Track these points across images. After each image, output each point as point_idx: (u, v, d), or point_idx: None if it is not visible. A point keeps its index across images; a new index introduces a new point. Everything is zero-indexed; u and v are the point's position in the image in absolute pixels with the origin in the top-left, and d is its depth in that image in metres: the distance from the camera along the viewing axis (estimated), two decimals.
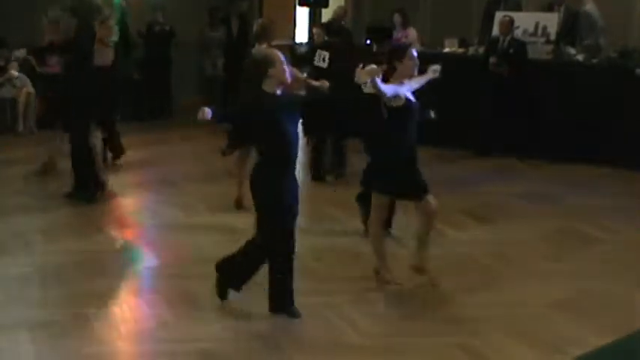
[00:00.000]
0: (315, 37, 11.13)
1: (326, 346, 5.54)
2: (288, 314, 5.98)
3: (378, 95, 6.32)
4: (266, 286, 6.03)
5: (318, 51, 10.53)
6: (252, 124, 5.95)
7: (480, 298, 6.53)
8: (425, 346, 5.57)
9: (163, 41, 15.13)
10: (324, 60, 10.38)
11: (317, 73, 10.13)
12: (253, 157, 9.48)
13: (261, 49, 8.10)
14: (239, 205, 8.85)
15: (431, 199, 6.52)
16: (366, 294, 6.46)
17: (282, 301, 6.01)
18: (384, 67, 6.55)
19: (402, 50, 6.63)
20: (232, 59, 16.14)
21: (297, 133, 6.01)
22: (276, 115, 5.82)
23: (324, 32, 11.00)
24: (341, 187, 10.15)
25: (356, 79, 7.07)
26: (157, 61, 15.11)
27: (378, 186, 6.62)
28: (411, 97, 6.46)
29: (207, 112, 5.69)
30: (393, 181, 6.49)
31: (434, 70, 6.90)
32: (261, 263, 6.08)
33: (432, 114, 7.19)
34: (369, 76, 6.17)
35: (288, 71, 5.96)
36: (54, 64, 11.28)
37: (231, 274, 6.21)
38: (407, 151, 6.47)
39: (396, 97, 6.33)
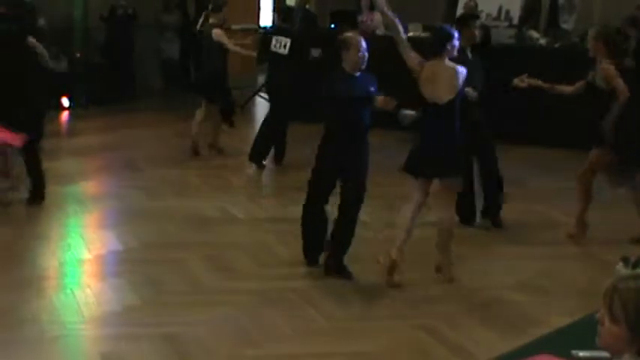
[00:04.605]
0: None
1: (292, 330, 5.56)
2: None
3: None
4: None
5: (275, 37, 10.49)
6: (325, 98, 6.42)
7: (443, 280, 6.59)
8: (388, 329, 5.62)
9: (126, 24, 15.03)
10: (284, 47, 10.36)
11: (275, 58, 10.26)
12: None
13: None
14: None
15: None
16: (330, 278, 6.49)
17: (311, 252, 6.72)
18: None
19: None
20: (189, 42, 16.15)
21: (363, 113, 6.35)
22: (346, 94, 6.28)
23: (280, 18, 10.95)
24: (307, 171, 10.18)
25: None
26: (119, 44, 15.01)
27: None
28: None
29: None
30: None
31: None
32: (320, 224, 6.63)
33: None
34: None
35: (362, 58, 6.34)
36: None
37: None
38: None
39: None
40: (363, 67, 6.43)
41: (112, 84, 14.80)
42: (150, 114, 13.92)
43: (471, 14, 8.56)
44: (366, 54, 6.40)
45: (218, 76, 10.83)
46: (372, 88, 6.42)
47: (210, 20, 10.75)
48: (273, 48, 10.38)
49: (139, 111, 14.27)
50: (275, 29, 10.71)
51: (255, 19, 17.31)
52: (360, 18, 13.34)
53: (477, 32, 8.08)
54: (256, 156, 10.33)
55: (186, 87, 16.61)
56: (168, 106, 14.95)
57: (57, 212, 8.22)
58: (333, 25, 13.71)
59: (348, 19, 13.42)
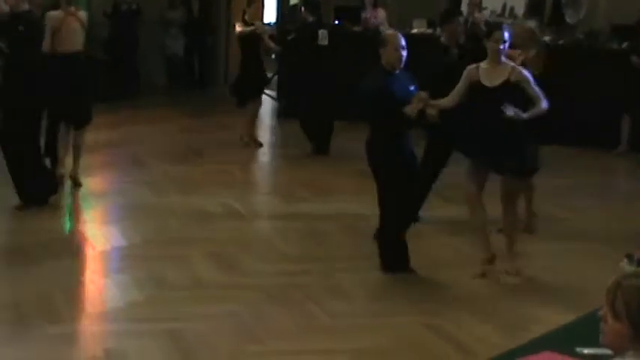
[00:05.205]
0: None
1: (296, 328, 5.55)
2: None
3: None
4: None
5: (321, 30, 10.70)
6: (368, 98, 6.36)
7: (445, 277, 6.59)
8: (392, 326, 5.61)
9: (130, 20, 15.02)
10: (325, 38, 10.57)
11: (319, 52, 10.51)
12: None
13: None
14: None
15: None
16: (334, 275, 6.48)
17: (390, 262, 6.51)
18: None
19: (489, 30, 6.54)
20: (193, 39, 16.20)
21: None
22: (387, 92, 6.20)
23: (308, 10, 11.08)
24: (311, 168, 10.19)
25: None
26: (123, 40, 15.00)
27: None
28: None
29: None
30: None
31: None
32: (399, 225, 6.45)
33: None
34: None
35: (400, 56, 6.28)
36: None
37: (391, 256, 6.52)
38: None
39: None
40: (401, 65, 6.34)
41: (115, 80, 14.79)
42: (154, 110, 13.91)
43: (453, 10, 8.50)
44: (405, 52, 6.33)
45: (243, 71, 11.03)
46: (412, 88, 6.34)
47: (245, 16, 11.02)
48: (320, 42, 10.54)
49: (142, 107, 14.26)
50: (315, 22, 10.87)
51: (260, 16, 17.33)
52: (363, 14, 13.32)
53: (460, 29, 8.06)
54: None
55: (191, 84, 16.66)
56: (173, 103, 14.96)
57: (61, 208, 8.22)
58: (337, 21, 13.69)
59: (351, 15, 13.42)
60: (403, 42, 6.35)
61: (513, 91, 6.27)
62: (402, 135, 6.41)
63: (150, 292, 6.06)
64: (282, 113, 13.47)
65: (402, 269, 6.52)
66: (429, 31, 13.09)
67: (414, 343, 5.38)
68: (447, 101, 6.46)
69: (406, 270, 6.53)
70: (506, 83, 6.29)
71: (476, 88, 6.34)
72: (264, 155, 11.34)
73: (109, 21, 14.96)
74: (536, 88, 6.34)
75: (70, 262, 6.71)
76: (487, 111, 6.29)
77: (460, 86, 6.42)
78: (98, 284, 6.29)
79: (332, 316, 5.75)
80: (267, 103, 14.64)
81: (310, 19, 10.87)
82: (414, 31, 13.10)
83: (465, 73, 6.43)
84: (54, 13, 8.63)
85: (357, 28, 13.15)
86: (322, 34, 10.63)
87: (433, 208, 8.32)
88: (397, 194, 6.43)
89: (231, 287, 6.20)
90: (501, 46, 6.30)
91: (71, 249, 7.03)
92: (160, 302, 5.90)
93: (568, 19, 12.66)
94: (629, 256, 6.22)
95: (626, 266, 6.09)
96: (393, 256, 6.53)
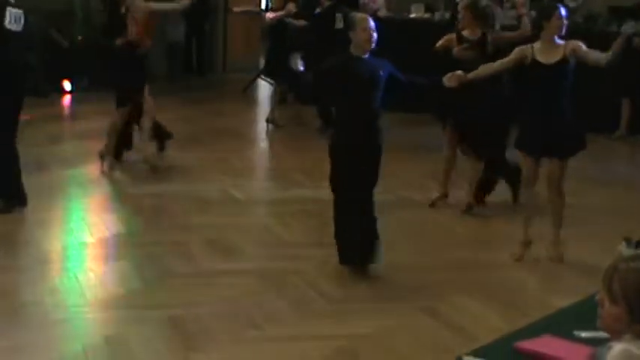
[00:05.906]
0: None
1: (294, 313, 5.56)
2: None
3: None
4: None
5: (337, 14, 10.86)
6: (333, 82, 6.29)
7: (444, 261, 6.60)
8: (390, 311, 5.62)
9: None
10: (341, 21, 10.69)
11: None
12: None
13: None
14: None
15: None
16: (331, 259, 6.48)
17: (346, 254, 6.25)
18: None
19: (549, 9, 6.46)
20: (192, 25, 16.13)
21: (371, 97, 6.13)
22: (351, 77, 6.09)
23: None
24: (307, 154, 10.18)
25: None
26: (119, 27, 14.93)
27: None
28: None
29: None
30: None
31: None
32: (348, 215, 6.20)
33: None
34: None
35: (369, 38, 6.14)
36: None
37: (342, 247, 6.28)
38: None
39: None
40: (370, 47, 6.19)
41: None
42: (153, 98, 13.87)
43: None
44: (374, 34, 6.18)
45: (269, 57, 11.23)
46: (382, 72, 6.19)
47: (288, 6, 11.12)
48: (337, 25, 10.63)
49: None
50: (332, 6, 11.00)
51: (257, 1, 17.29)
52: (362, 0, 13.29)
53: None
54: None
55: (189, 71, 16.62)
56: (171, 90, 14.90)
57: (59, 196, 8.22)
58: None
59: (350, 0, 13.39)
60: (372, 24, 6.18)
61: (569, 68, 6.33)
62: (368, 115, 6.19)
63: (149, 279, 6.07)
64: (281, 99, 13.44)
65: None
66: (427, 15, 13.07)
67: (413, 327, 5.39)
68: (484, 69, 6.48)
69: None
70: (564, 60, 6.31)
71: (531, 66, 6.32)
72: (262, 141, 11.34)
73: (105, 8, 14.91)
74: (590, 51, 6.37)
75: (69, 250, 6.71)
76: (544, 90, 6.31)
77: (508, 59, 6.44)
78: (97, 271, 6.29)
79: (330, 302, 5.76)
80: (266, 88, 14.62)
81: (327, 3, 11.05)
82: (413, 15, 13.08)
83: (516, 50, 6.43)
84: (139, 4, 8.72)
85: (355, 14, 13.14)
86: (339, 17, 10.76)
87: (430, 192, 8.32)
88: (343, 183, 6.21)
89: (230, 273, 6.21)
90: (565, 23, 6.31)
91: (70, 236, 7.03)
92: (159, 289, 5.91)
93: (568, 3, 12.62)
94: (627, 240, 6.22)
95: (624, 249, 6.08)
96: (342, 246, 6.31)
